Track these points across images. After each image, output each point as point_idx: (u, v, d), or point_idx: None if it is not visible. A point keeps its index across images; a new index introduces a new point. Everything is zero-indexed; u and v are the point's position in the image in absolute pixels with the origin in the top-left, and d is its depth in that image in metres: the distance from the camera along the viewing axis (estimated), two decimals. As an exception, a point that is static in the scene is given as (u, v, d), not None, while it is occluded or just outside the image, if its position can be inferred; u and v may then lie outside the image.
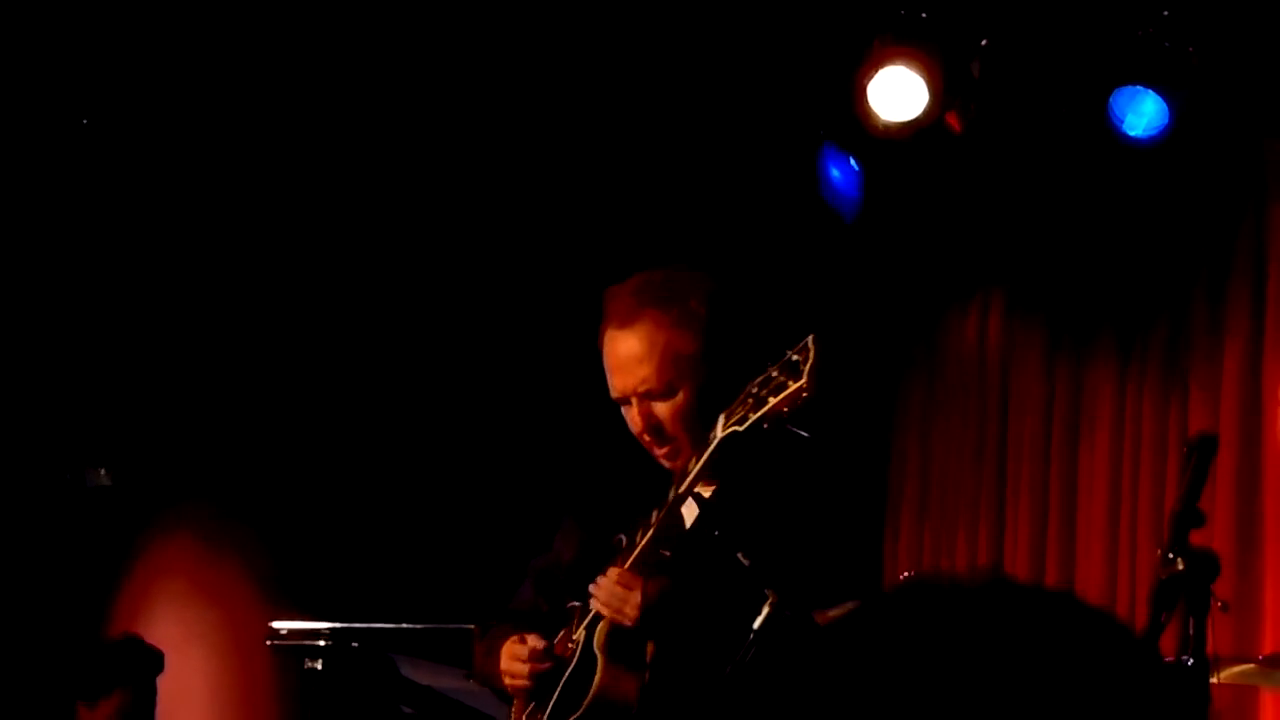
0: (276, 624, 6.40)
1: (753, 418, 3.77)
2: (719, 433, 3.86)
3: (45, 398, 7.99)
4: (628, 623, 3.98)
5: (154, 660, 6.81)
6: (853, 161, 7.07)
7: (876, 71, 6.62)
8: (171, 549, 8.26)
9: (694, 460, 3.95)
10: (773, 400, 3.73)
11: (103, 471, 8.12)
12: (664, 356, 4.04)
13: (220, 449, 8.17)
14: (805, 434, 4.12)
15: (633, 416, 4.12)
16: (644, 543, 4.00)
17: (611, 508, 4.26)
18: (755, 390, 3.78)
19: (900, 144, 6.83)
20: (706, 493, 4.02)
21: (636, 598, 3.97)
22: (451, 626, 5.93)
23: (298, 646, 6.28)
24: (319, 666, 6.19)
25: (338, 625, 6.28)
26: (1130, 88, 6.39)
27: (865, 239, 7.67)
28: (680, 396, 4.05)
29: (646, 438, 4.11)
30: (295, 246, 8.01)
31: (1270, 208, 6.62)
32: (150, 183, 7.72)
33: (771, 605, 3.81)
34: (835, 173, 7.07)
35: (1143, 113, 6.40)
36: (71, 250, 7.85)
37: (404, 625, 6.37)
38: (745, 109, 7.34)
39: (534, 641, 4.18)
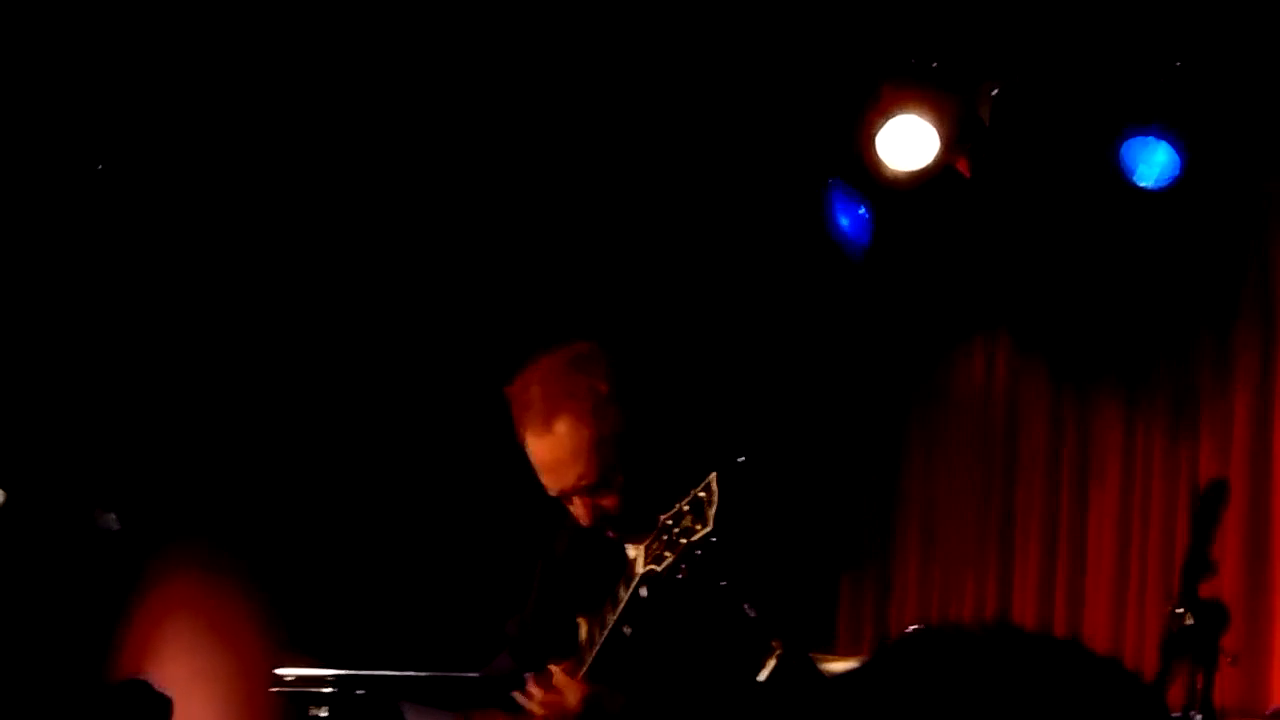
0: (282, 670, 6.38)
1: (669, 559, 3.77)
2: (639, 569, 3.84)
3: (55, 441, 7.99)
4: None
5: (162, 705, 6.78)
6: (862, 209, 7.06)
7: (886, 118, 6.63)
8: (178, 593, 8.25)
9: (622, 587, 3.91)
10: (684, 542, 3.75)
11: (111, 515, 8.10)
12: (592, 450, 4.01)
13: (228, 493, 8.17)
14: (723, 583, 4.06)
15: (579, 511, 4.09)
16: (592, 657, 3.96)
17: (572, 552, 4.26)
18: (669, 525, 3.78)
19: (909, 192, 6.83)
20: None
21: (574, 699, 3.94)
22: (457, 675, 5.91)
23: (304, 693, 6.27)
24: (324, 713, 6.18)
25: (344, 672, 6.27)
26: (1141, 137, 6.38)
27: (873, 281, 7.67)
28: (620, 480, 4.04)
29: (599, 526, 4.10)
30: (300, 286, 8.03)
31: (1276, 251, 6.61)
32: (160, 238, 7.76)
33: (778, 656, 3.82)
34: (844, 219, 7.06)
35: (1154, 163, 6.39)
36: (83, 297, 7.86)
37: (410, 673, 6.35)
38: (755, 153, 7.35)
39: None
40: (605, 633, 3.94)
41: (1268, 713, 4.69)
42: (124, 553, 8.15)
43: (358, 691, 6.20)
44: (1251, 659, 6.02)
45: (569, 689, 3.95)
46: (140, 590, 8.23)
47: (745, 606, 3.89)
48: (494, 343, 7.64)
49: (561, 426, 4.02)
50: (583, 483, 4.04)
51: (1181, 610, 3.79)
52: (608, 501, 4.05)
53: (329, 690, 6.21)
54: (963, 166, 6.81)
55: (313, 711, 6.18)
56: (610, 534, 4.08)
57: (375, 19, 6.95)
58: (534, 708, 3.99)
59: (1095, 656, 1.53)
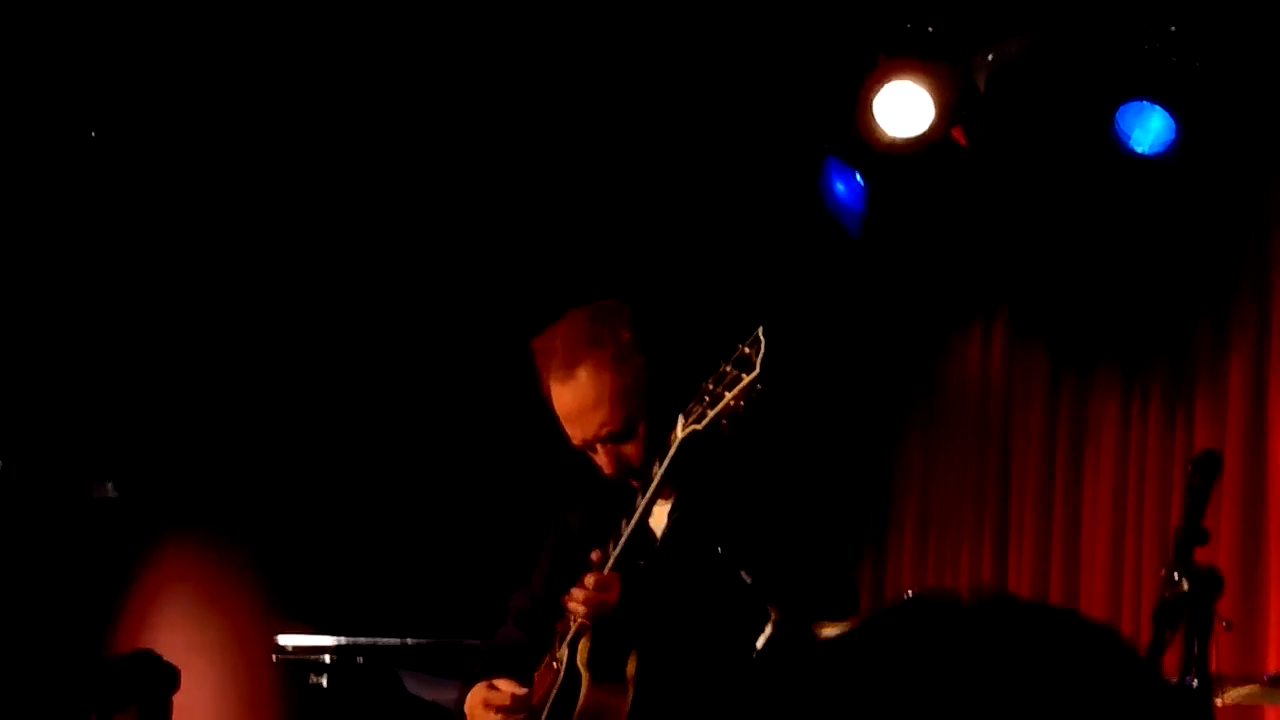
0: (282, 639, 6.40)
1: (710, 414, 3.81)
2: (679, 433, 3.89)
3: (53, 411, 8.00)
4: (607, 613, 3.99)
5: (169, 676, 6.77)
6: (858, 177, 7.06)
7: (882, 86, 6.63)
8: (177, 562, 8.26)
9: (657, 464, 3.97)
10: (728, 395, 3.78)
11: (109, 484, 8.12)
12: (615, 396, 4.06)
13: (226, 463, 8.18)
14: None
15: (603, 461, 4.12)
16: (616, 552, 4.01)
17: (586, 524, 4.28)
18: (711, 387, 3.82)
19: (905, 162, 6.83)
20: (668, 505, 4.03)
21: (613, 593, 3.98)
22: (456, 641, 5.94)
23: (303, 662, 6.28)
24: (324, 682, 6.20)
25: (343, 640, 6.29)
26: (1137, 103, 6.38)
27: (869, 261, 7.67)
28: (642, 430, 4.07)
29: (622, 477, 4.12)
30: (296, 262, 8.04)
31: (1275, 233, 6.61)
32: (161, 204, 7.75)
33: (774, 623, 3.82)
34: (840, 187, 7.07)
35: (1150, 129, 6.39)
36: (80, 267, 7.87)
37: (409, 640, 6.37)
38: (751, 124, 7.34)
39: (506, 687, 4.18)
40: (631, 521, 3.97)
41: (1265, 678, 4.69)
42: (123, 523, 8.17)
43: (357, 660, 6.23)
44: (1246, 628, 6.04)
45: (605, 582, 3.97)
46: (139, 561, 8.25)
47: (742, 573, 3.90)
48: (496, 310, 7.69)
49: (584, 373, 4.07)
50: (605, 431, 4.07)
51: (1176, 576, 3.79)
52: (631, 450, 4.08)
53: (328, 659, 6.23)
54: (959, 136, 6.80)
55: (312, 680, 6.20)
56: (634, 483, 4.09)
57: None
58: (576, 607, 4.01)
59: (1092, 625, 1.53)
